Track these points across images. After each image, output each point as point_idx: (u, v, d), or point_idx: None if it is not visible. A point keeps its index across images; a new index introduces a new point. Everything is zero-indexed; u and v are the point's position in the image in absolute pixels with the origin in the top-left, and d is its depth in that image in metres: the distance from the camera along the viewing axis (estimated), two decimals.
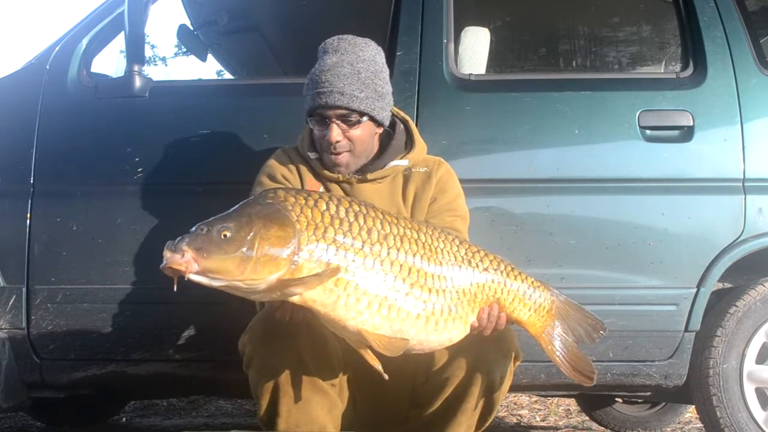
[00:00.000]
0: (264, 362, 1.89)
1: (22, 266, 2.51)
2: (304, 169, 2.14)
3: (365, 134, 2.07)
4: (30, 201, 2.52)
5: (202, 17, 3.62)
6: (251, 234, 1.58)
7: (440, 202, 2.15)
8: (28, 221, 2.51)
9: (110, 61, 3.55)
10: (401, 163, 2.14)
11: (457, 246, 1.81)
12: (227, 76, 4.69)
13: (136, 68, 2.58)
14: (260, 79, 3.54)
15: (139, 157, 2.54)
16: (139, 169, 2.53)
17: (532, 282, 1.88)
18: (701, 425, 2.84)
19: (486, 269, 1.82)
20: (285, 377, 1.88)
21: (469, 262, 1.80)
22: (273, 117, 2.59)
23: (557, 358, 1.90)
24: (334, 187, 2.12)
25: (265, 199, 1.69)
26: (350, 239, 1.65)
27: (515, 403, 4.59)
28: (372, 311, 1.65)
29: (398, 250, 1.70)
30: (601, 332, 1.94)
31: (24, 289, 2.50)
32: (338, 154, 2.05)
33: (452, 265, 1.77)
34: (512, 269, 1.86)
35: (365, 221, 1.69)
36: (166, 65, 9.15)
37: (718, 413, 2.48)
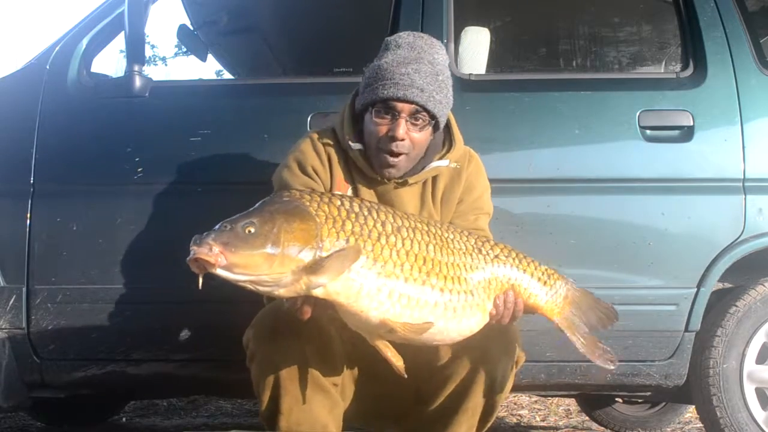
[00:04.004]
0: (267, 359, 1.86)
1: (22, 266, 2.50)
2: (336, 163, 2.01)
3: (424, 139, 1.95)
4: (30, 201, 2.52)
5: (202, 17, 3.62)
6: (275, 229, 1.63)
7: (466, 202, 2.09)
8: (28, 221, 2.51)
9: (110, 61, 3.56)
10: (441, 163, 2.02)
11: (467, 237, 1.86)
12: (227, 76, 4.69)
13: (136, 68, 2.57)
14: (260, 79, 3.54)
15: (139, 157, 2.53)
16: (139, 169, 2.53)
17: (546, 269, 1.91)
18: (701, 425, 2.83)
19: (497, 256, 1.86)
20: (288, 375, 1.86)
21: (480, 250, 1.85)
22: (273, 117, 2.58)
23: (578, 342, 1.91)
24: (364, 190, 2.01)
25: (282, 197, 1.74)
26: (367, 231, 1.71)
27: (515, 403, 4.59)
28: (393, 300, 1.69)
29: (412, 240, 1.75)
30: (615, 319, 1.96)
31: (24, 289, 2.50)
32: (398, 154, 1.92)
33: (464, 253, 1.82)
34: (524, 257, 1.89)
35: (378, 215, 1.75)
36: (166, 65, 9.17)
37: (718, 413, 2.48)
